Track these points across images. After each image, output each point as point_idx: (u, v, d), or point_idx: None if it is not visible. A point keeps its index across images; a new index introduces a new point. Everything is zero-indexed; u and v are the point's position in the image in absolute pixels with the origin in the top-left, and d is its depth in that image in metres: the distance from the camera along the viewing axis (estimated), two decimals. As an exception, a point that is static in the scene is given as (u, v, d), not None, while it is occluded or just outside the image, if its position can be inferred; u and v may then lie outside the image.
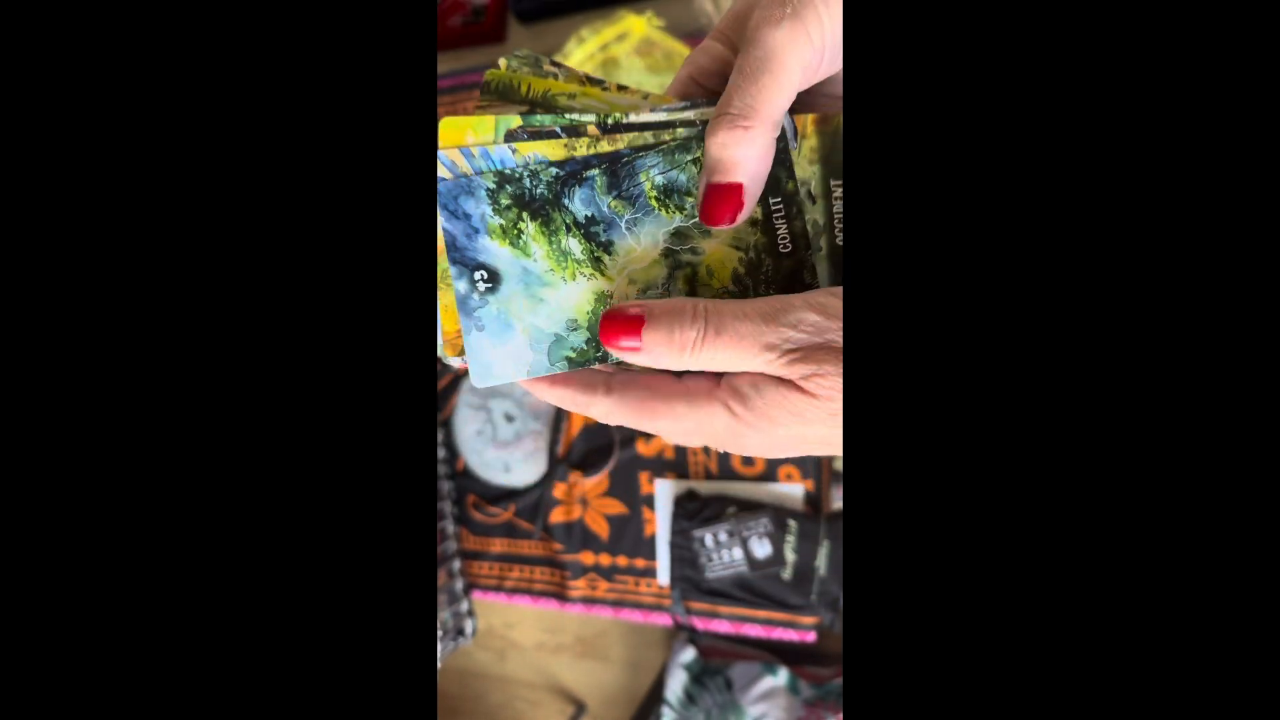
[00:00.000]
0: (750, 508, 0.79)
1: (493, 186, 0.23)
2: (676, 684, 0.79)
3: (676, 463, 0.84)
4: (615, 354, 0.23)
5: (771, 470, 0.80)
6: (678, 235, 0.24)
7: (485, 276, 0.24)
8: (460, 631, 0.94)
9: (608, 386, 0.24)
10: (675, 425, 0.23)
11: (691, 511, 0.81)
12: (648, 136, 0.24)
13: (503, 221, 0.24)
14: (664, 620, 0.85)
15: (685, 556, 0.80)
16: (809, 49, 0.21)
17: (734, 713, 0.75)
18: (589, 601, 0.88)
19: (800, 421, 0.22)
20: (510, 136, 0.23)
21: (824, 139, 0.24)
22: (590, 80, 0.26)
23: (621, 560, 0.87)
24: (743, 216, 0.23)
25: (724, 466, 0.83)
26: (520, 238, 0.24)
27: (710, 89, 0.26)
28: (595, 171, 0.23)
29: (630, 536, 0.86)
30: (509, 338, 0.24)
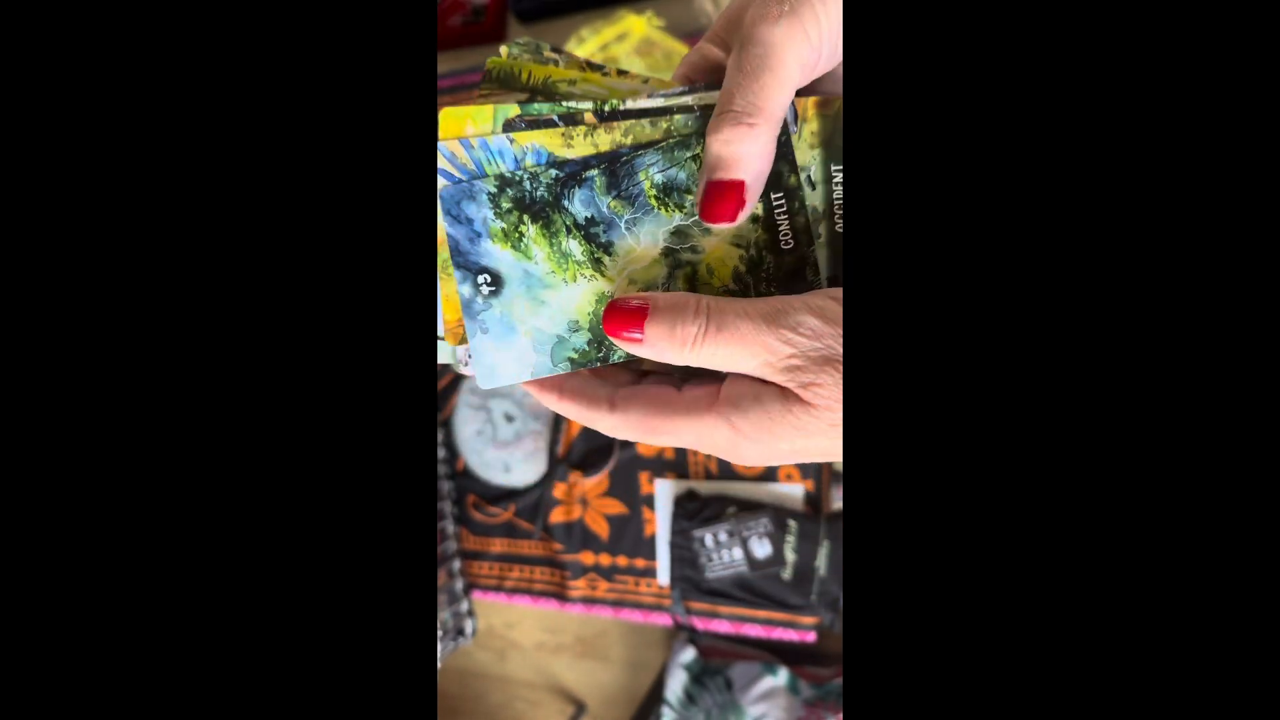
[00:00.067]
0: (750, 508, 0.79)
1: (494, 190, 0.23)
2: (676, 684, 0.79)
3: (676, 463, 0.84)
4: (618, 344, 0.23)
5: (771, 470, 0.80)
6: (678, 234, 0.24)
7: (489, 280, 0.24)
8: (460, 631, 0.94)
9: (611, 404, 0.24)
10: (677, 440, 0.23)
11: (691, 511, 0.81)
12: (645, 123, 0.23)
13: (504, 225, 0.24)
14: (664, 620, 0.85)
15: (685, 556, 0.80)
16: (806, 46, 0.21)
17: (734, 713, 0.75)
18: (589, 601, 0.88)
19: (801, 435, 0.22)
20: (508, 126, 0.23)
21: (825, 122, 0.24)
22: (590, 66, 0.26)
23: (621, 560, 0.87)
24: (743, 215, 0.23)
25: (724, 467, 0.83)
26: (522, 240, 0.24)
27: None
28: (594, 172, 0.23)
29: (630, 536, 0.86)
30: (512, 340, 0.24)
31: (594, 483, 0.87)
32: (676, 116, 0.23)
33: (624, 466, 0.86)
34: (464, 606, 0.94)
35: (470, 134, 0.23)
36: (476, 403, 0.94)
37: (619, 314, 0.23)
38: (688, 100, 0.24)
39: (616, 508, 0.87)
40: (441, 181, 0.23)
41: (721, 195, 0.22)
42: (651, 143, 0.23)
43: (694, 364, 0.22)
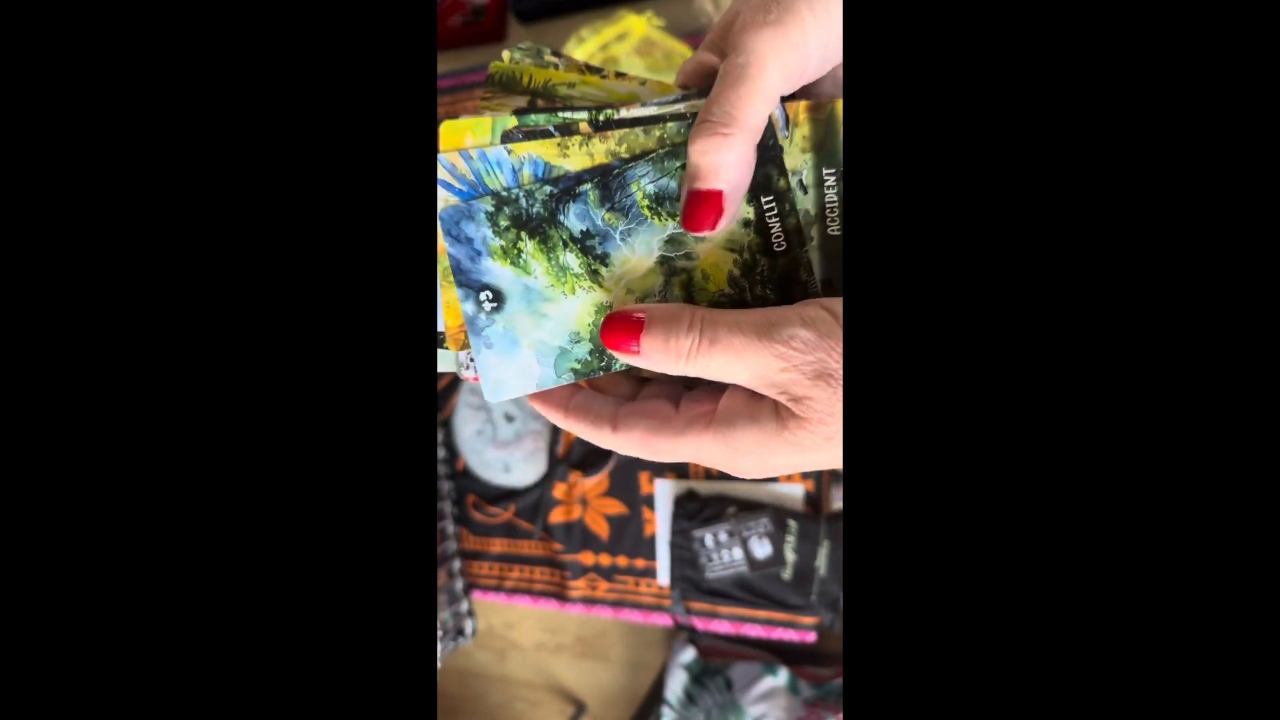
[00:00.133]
0: (750, 508, 0.79)
1: (491, 209, 0.24)
2: (676, 684, 0.79)
3: (676, 463, 0.84)
4: (617, 356, 0.24)
5: (771, 470, 0.80)
6: (672, 242, 0.24)
7: (490, 297, 0.25)
8: (460, 631, 0.94)
9: (614, 423, 0.25)
10: (676, 456, 0.24)
11: (691, 511, 0.81)
12: (639, 132, 0.24)
13: (503, 243, 0.24)
14: (664, 620, 0.85)
15: (685, 556, 0.80)
16: (792, 54, 0.21)
17: (734, 713, 0.75)
18: (589, 601, 0.88)
19: (797, 451, 0.22)
20: (506, 138, 0.24)
21: (816, 126, 0.24)
22: (589, 69, 0.27)
23: (621, 560, 0.87)
24: (723, 224, 0.23)
25: (724, 466, 0.82)
26: (520, 257, 0.24)
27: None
28: (588, 186, 0.24)
29: (630, 536, 0.86)
30: (516, 354, 0.25)
31: (594, 483, 0.87)
32: (669, 125, 0.24)
33: (624, 466, 0.86)
34: (464, 606, 0.94)
35: (469, 145, 0.24)
36: (476, 403, 0.94)
37: (616, 327, 0.23)
38: (680, 108, 0.24)
39: (616, 508, 0.87)
40: (442, 193, 0.24)
41: (700, 205, 0.23)
42: (643, 153, 0.24)
43: (690, 374, 0.22)
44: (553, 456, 0.89)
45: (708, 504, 0.80)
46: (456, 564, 0.93)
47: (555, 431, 0.89)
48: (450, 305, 0.25)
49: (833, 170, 0.24)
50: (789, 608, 0.78)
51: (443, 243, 0.24)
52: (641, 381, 0.26)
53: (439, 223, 0.24)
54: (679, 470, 0.84)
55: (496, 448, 0.92)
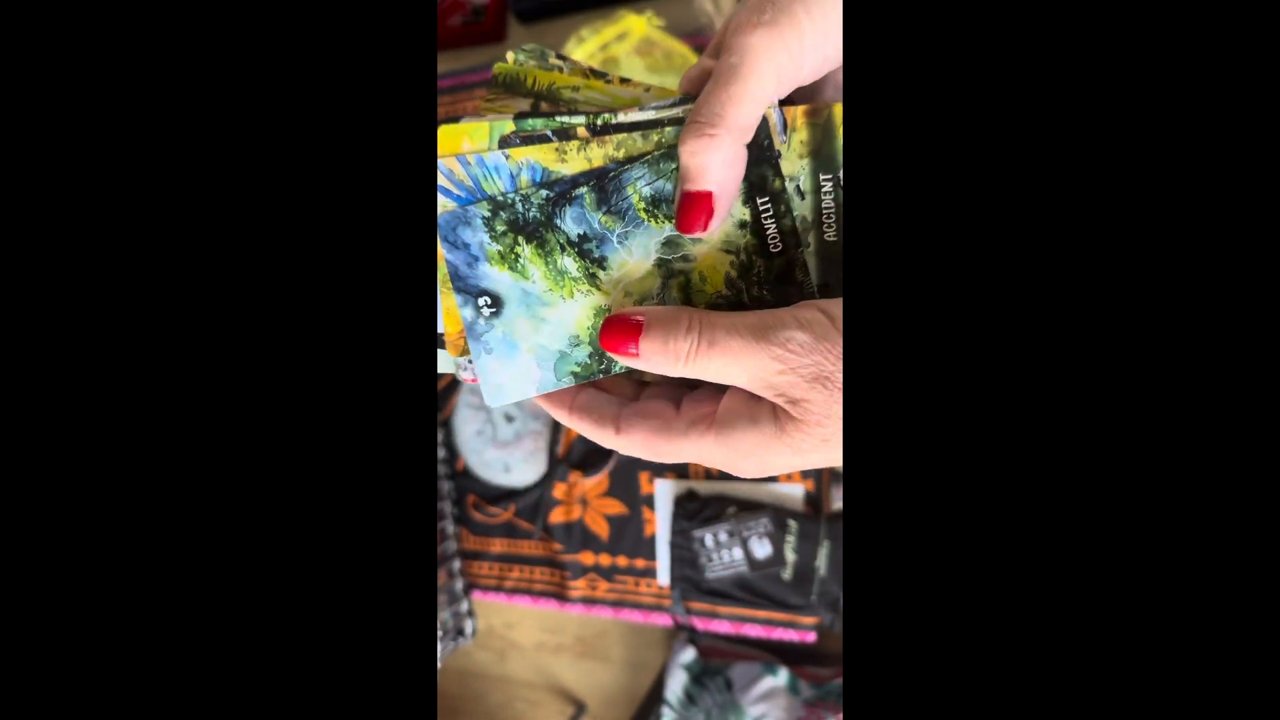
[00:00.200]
0: (750, 508, 0.79)
1: (488, 214, 0.24)
2: (676, 684, 0.79)
3: (677, 463, 0.84)
4: (616, 358, 0.24)
5: (771, 470, 0.80)
6: (669, 244, 0.24)
7: (489, 302, 0.25)
8: (460, 631, 0.94)
9: (616, 425, 0.25)
10: (678, 458, 0.24)
11: (691, 512, 0.80)
12: (637, 137, 0.24)
13: (500, 247, 0.24)
14: (664, 620, 0.85)
15: (685, 556, 0.80)
16: (785, 55, 0.21)
17: (734, 713, 0.75)
18: (589, 602, 0.88)
19: (795, 452, 0.22)
20: (504, 142, 0.24)
21: (814, 132, 0.24)
22: (594, 73, 0.27)
23: (621, 560, 0.87)
24: (714, 224, 0.23)
25: (724, 466, 0.82)
26: (518, 261, 0.24)
27: None
28: (584, 189, 0.24)
29: (630, 537, 0.86)
30: (516, 358, 0.25)
31: (594, 483, 0.87)
32: (668, 129, 0.24)
33: (624, 467, 0.86)
34: (464, 606, 0.94)
35: (467, 150, 0.24)
36: (476, 403, 0.94)
37: (615, 330, 0.23)
38: (678, 112, 0.24)
39: (616, 508, 0.87)
40: (439, 198, 0.24)
41: (690, 206, 0.23)
42: (639, 156, 0.24)
43: (689, 376, 0.23)
44: (553, 457, 0.89)
45: (708, 504, 0.80)
46: (456, 564, 0.93)
47: (555, 432, 0.89)
48: (449, 312, 0.25)
49: (829, 176, 0.24)
50: (789, 608, 0.78)
51: (440, 249, 0.24)
52: (642, 383, 0.26)
53: (437, 229, 0.24)
54: (679, 470, 0.84)
55: (496, 448, 0.92)
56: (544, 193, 0.24)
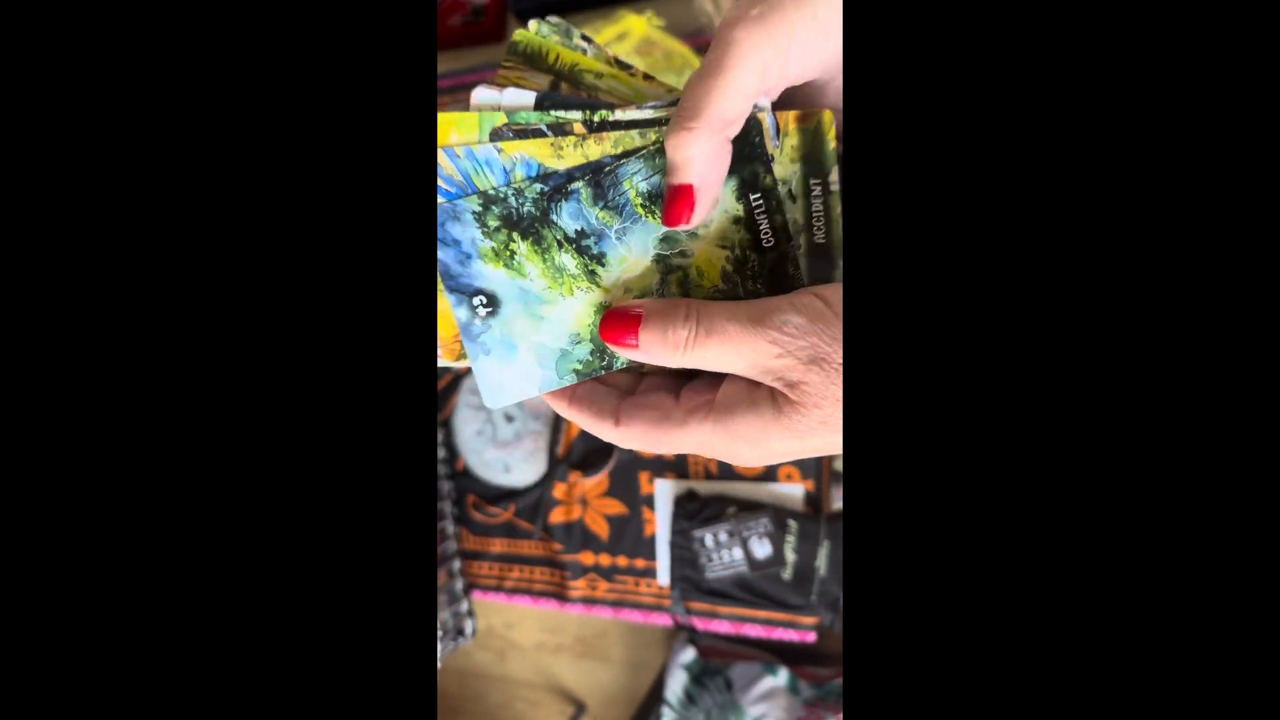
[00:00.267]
0: (750, 508, 0.79)
1: (479, 209, 0.23)
2: (676, 684, 0.79)
3: (676, 463, 0.84)
4: (616, 351, 0.24)
5: (771, 470, 0.80)
6: (666, 240, 0.24)
7: (484, 301, 0.24)
8: (460, 631, 0.94)
9: (616, 417, 0.25)
10: (678, 448, 0.24)
11: (691, 511, 0.80)
12: (634, 134, 0.23)
13: (494, 244, 0.24)
14: (664, 620, 0.85)
15: (685, 556, 0.80)
16: (770, 50, 0.21)
17: (734, 713, 0.75)
18: (589, 602, 0.88)
19: (795, 436, 0.22)
20: (495, 135, 0.23)
21: (804, 136, 0.24)
22: (619, 63, 0.26)
23: (621, 560, 0.87)
24: (698, 217, 0.23)
25: (724, 467, 0.83)
26: (514, 259, 0.24)
27: None
28: (580, 184, 0.23)
29: (630, 537, 0.86)
30: (515, 358, 0.25)
31: (594, 483, 0.87)
32: (665, 126, 0.23)
33: (624, 466, 0.86)
34: (464, 606, 0.94)
35: (455, 142, 0.23)
36: (476, 403, 0.94)
37: (614, 322, 0.23)
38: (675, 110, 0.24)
39: (616, 508, 0.87)
40: None
41: (674, 199, 0.23)
42: (634, 150, 0.23)
43: (688, 366, 0.23)
44: (553, 456, 0.89)
45: (708, 504, 0.80)
46: (456, 564, 0.93)
47: (555, 431, 0.89)
48: (443, 314, 0.24)
49: (819, 180, 0.24)
50: (789, 608, 0.78)
51: None
52: (641, 375, 0.26)
53: None
54: (679, 470, 0.84)
55: (496, 448, 0.92)
56: (538, 186, 0.23)
